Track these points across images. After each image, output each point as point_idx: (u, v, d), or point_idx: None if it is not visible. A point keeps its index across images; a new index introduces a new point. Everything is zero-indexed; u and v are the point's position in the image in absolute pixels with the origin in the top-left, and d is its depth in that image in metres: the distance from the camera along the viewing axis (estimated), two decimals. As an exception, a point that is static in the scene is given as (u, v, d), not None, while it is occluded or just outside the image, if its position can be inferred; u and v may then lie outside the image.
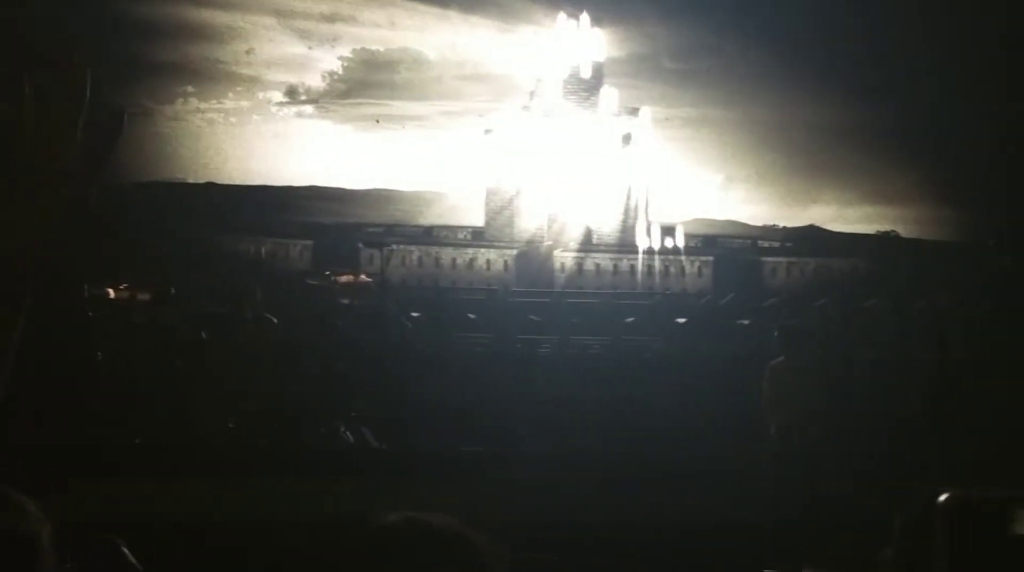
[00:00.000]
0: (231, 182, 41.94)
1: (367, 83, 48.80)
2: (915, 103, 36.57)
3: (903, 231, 39.07)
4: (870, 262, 33.76)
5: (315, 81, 50.10)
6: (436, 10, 46.56)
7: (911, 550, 1.83)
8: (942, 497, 1.62)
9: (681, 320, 16.15)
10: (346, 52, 49.20)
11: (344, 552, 1.88)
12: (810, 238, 38.66)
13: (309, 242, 34.87)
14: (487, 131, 38.16)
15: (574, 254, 35.27)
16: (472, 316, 18.04)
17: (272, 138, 47.04)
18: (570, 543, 5.92)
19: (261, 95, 49.74)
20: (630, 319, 17.59)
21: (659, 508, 6.89)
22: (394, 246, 31.44)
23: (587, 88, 38.31)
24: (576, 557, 5.72)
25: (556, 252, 35.16)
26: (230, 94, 49.03)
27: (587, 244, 36.07)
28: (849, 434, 8.61)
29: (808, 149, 39.79)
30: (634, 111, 38.02)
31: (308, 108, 49.79)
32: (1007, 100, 34.71)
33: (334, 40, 48.12)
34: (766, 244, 38.01)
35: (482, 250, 35.83)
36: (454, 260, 35.32)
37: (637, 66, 42.05)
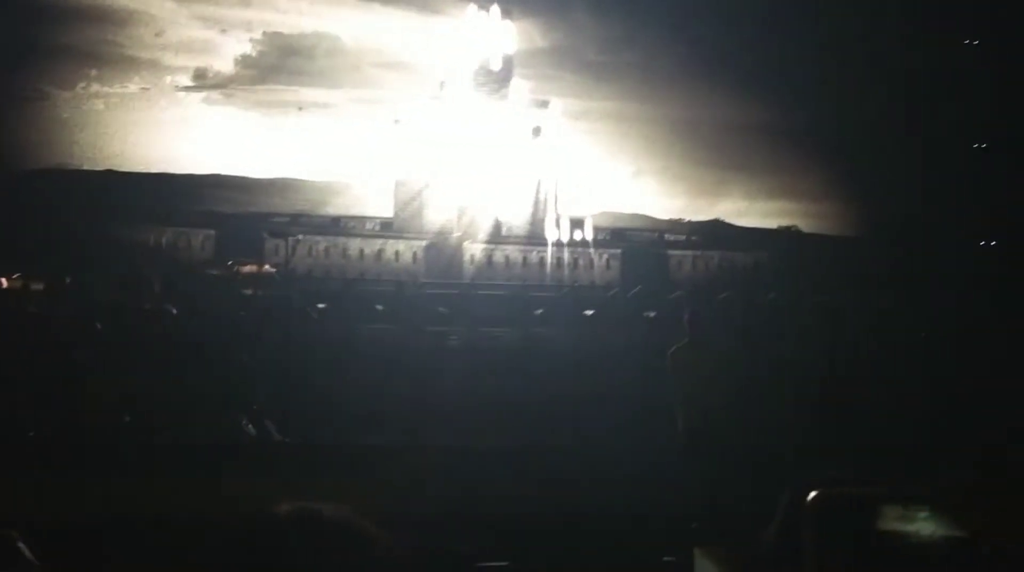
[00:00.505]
0: (132, 169, 40.82)
1: (279, 69, 47.96)
2: (821, 104, 37.61)
3: (804, 226, 40.14)
4: (772, 256, 34.63)
5: (226, 66, 49.05)
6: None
7: (788, 536, 1.90)
8: (810, 495, 1.71)
9: (589, 312, 16.30)
10: (258, 36, 48.25)
11: (237, 542, 1.86)
12: (715, 232, 39.45)
13: (212, 231, 34.21)
14: (396, 121, 37.94)
15: (483, 246, 35.37)
16: (380, 307, 17.93)
17: (177, 124, 45.92)
18: (473, 534, 5.93)
19: (168, 79, 48.50)
20: (539, 311, 17.73)
21: (564, 498, 6.95)
22: (300, 236, 31.04)
23: (498, 80, 38.37)
24: (479, 548, 5.73)
25: (465, 244, 35.17)
26: (135, 78, 47.72)
27: (497, 236, 36.18)
28: (747, 421, 8.80)
29: (718, 145, 40.58)
30: (544, 103, 38.23)
31: (215, 94, 48.74)
32: (908, 102, 35.91)
33: (248, 24, 47.13)
34: (673, 237, 38.66)
35: (391, 241, 35.62)
36: (362, 251, 35.04)
37: (560, 57, 42.24)
